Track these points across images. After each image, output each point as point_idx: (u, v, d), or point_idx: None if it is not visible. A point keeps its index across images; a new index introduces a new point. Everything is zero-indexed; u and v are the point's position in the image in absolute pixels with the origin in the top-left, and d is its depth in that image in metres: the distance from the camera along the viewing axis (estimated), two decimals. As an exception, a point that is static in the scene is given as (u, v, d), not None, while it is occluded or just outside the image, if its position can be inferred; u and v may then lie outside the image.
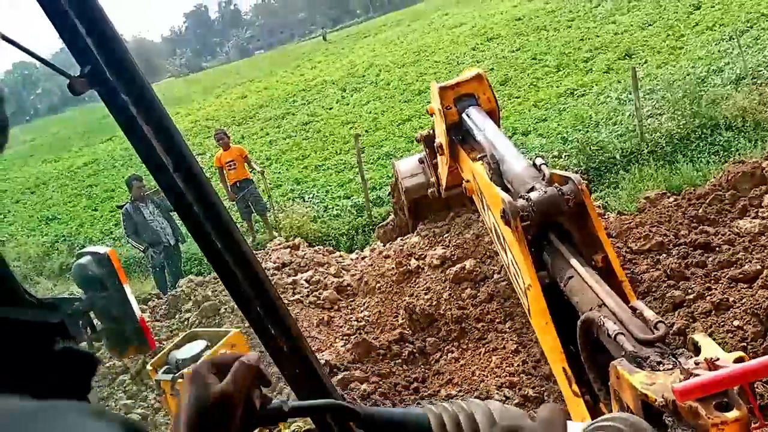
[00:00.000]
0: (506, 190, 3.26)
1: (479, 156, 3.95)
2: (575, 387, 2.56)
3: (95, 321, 1.67)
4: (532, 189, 2.87)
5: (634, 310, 2.38)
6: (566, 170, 9.96)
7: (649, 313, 2.29)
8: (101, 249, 1.55)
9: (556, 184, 2.84)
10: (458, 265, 6.63)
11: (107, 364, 6.85)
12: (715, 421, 2.12)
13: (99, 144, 28.50)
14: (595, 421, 0.97)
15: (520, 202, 2.79)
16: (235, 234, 1.64)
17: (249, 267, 1.63)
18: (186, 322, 7.60)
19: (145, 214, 9.40)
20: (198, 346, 3.41)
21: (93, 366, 0.50)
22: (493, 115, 4.42)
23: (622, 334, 2.25)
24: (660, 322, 2.20)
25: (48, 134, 39.61)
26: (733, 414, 2.00)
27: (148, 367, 3.45)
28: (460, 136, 4.54)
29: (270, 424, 1.10)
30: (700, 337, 2.69)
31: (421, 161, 7.05)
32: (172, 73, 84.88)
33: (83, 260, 1.64)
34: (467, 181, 4.34)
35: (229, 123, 23.53)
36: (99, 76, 1.34)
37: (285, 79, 30.44)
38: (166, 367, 3.42)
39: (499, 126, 4.31)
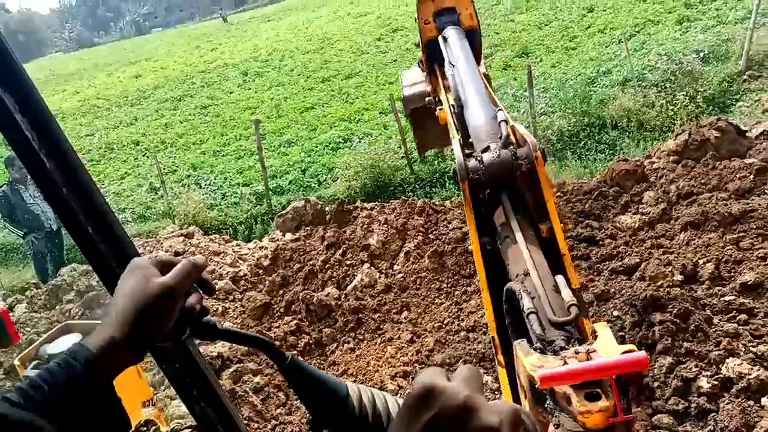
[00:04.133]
0: (466, 136, 3.13)
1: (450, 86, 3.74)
2: (500, 356, 2.55)
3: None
4: (487, 149, 2.73)
5: (555, 283, 2.35)
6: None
7: (566, 293, 2.26)
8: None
9: (512, 147, 2.69)
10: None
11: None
12: (581, 409, 2.21)
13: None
14: None
15: (472, 162, 2.66)
16: (110, 218, 1.51)
17: (125, 255, 1.52)
18: (68, 314, 7.16)
19: (24, 196, 8.74)
20: (71, 339, 3.14)
21: None
22: (473, 34, 4.17)
23: (534, 313, 2.24)
24: (573, 305, 2.20)
25: None
26: (599, 404, 2.09)
27: (16, 361, 3.18)
28: (441, 56, 4.24)
29: (201, 337, 1.10)
30: (599, 326, 2.79)
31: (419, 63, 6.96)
32: (60, 48, 79.81)
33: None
34: (440, 109, 4.15)
35: (121, 103, 22.37)
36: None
37: (183, 60, 29.29)
38: (36, 362, 3.14)
39: (480, 46, 4.10)
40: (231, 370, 5.50)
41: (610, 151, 9.38)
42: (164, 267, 1.04)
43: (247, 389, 5.22)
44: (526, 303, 2.23)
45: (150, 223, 11.37)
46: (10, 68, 1.33)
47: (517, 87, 13.19)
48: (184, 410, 5.01)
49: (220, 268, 7.91)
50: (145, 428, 1.63)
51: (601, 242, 6.20)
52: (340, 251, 7.22)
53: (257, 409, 5.12)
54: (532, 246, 2.52)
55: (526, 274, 2.40)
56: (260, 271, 7.45)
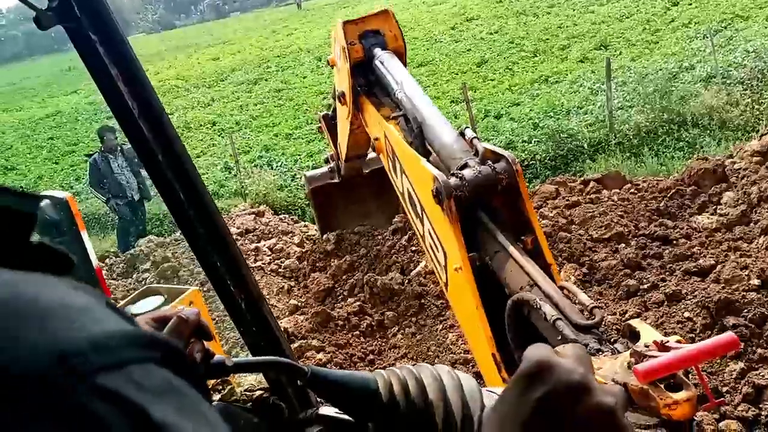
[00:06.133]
0: (426, 155, 3.06)
1: (392, 115, 3.61)
2: (504, 374, 2.53)
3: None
4: (465, 166, 2.69)
5: (562, 289, 2.34)
6: (535, 156, 10.08)
7: (583, 297, 2.24)
8: (60, 194, 1.50)
9: (489, 162, 2.66)
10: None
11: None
12: (668, 402, 2.17)
13: (63, 96, 27.70)
14: None
15: (453, 180, 2.59)
16: (199, 187, 1.61)
17: (211, 221, 1.61)
18: (143, 282, 7.50)
19: (113, 166, 9.23)
20: (154, 301, 3.34)
21: (68, 266, 0.48)
22: (400, 55, 4.06)
23: (560, 319, 2.23)
24: (595, 307, 2.17)
25: (10, 83, 38.29)
26: (684, 394, 2.06)
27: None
28: (366, 87, 4.19)
29: (215, 377, 1.11)
30: (636, 323, 2.73)
31: (327, 161, 7.14)
32: (143, 29, 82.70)
33: (40, 204, 1.60)
34: (376, 139, 3.92)
35: (199, 85, 23.08)
36: (67, 11, 1.29)
37: (260, 44, 29.90)
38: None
39: (405, 67, 3.95)
40: (295, 346, 5.66)
41: (689, 149, 9.06)
42: (159, 323, 1.06)
43: (309, 364, 5.36)
44: (549, 311, 2.19)
45: (223, 200, 11.73)
46: (115, 42, 1.44)
47: (594, 80, 12.89)
48: (250, 380, 5.19)
49: (287, 247, 8.11)
50: (221, 386, 1.73)
51: (675, 242, 6.02)
52: (406, 237, 7.26)
53: (319, 384, 5.25)
54: (528, 258, 2.50)
55: (531, 285, 2.37)
56: (326, 253, 7.59)
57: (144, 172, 9.53)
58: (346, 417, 1.80)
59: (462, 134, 2.94)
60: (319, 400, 1.94)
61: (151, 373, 0.35)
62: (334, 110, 5.90)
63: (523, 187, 2.57)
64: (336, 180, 7.05)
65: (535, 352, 0.66)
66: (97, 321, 0.35)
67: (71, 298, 0.37)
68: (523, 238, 2.57)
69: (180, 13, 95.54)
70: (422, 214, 2.92)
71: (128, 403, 0.32)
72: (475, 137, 2.82)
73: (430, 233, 2.86)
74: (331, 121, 6.30)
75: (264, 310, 1.75)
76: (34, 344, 0.31)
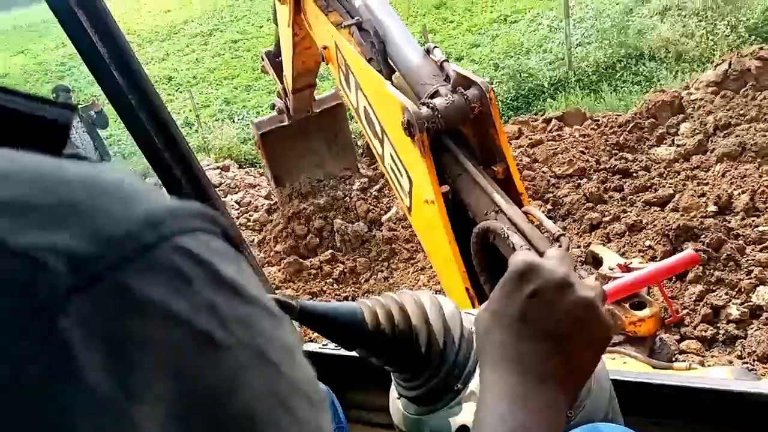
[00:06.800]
0: (388, 74, 2.85)
1: (345, 23, 3.22)
2: (477, 305, 2.56)
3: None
4: (436, 93, 2.54)
5: (526, 214, 2.33)
6: (497, 98, 10.10)
7: (548, 224, 2.22)
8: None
9: (460, 89, 2.50)
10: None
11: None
12: (633, 319, 2.30)
13: (10, 57, 26.56)
14: None
15: (425, 111, 2.42)
16: (171, 126, 1.63)
17: (186, 163, 1.64)
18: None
19: None
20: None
21: None
22: None
23: (528, 250, 2.25)
24: (561, 234, 2.19)
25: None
26: (648, 311, 2.18)
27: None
28: None
29: None
30: (599, 249, 2.83)
31: (272, 107, 6.91)
32: (87, -17, 79.09)
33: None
34: (324, 48, 3.52)
35: (152, 39, 22.35)
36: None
37: (212, -6, 28.94)
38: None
39: None
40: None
41: (647, 83, 9.18)
42: None
43: (299, 300, 5.45)
44: (517, 241, 2.16)
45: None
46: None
47: (552, 17, 12.86)
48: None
49: (255, 200, 8.09)
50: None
51: (634, 174, 6.19)
52: (377, 186, 7.29)
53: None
54: (493, 183, 2.43)
55: (497, 211, 2.32)
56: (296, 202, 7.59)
57: (102, 133, 9.33)
58: (328, 351, 1.88)
59: (428, 52, 2.75)
60: (304, 335, 2.02)
61: (216, 241, 0.40)
62: (278, 45, 5.58)
63: (496, 115, 2.47)
64: (286, 122, 6.67)
65: (521, 257, 0.74)
66: (167, 199, 0.40)
67: (141, 181, 0.42)
68: (494, 167, 2.53)
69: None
70: (383, 136, 2.77)
71: (203, 260, 0.37)
72: (444, 60, 2.66)
73: (392, 156, 2.73)
74: (275, 59, 6.05)
75: (243, 250, 1.80)
76: (123, 211, 0.36)
